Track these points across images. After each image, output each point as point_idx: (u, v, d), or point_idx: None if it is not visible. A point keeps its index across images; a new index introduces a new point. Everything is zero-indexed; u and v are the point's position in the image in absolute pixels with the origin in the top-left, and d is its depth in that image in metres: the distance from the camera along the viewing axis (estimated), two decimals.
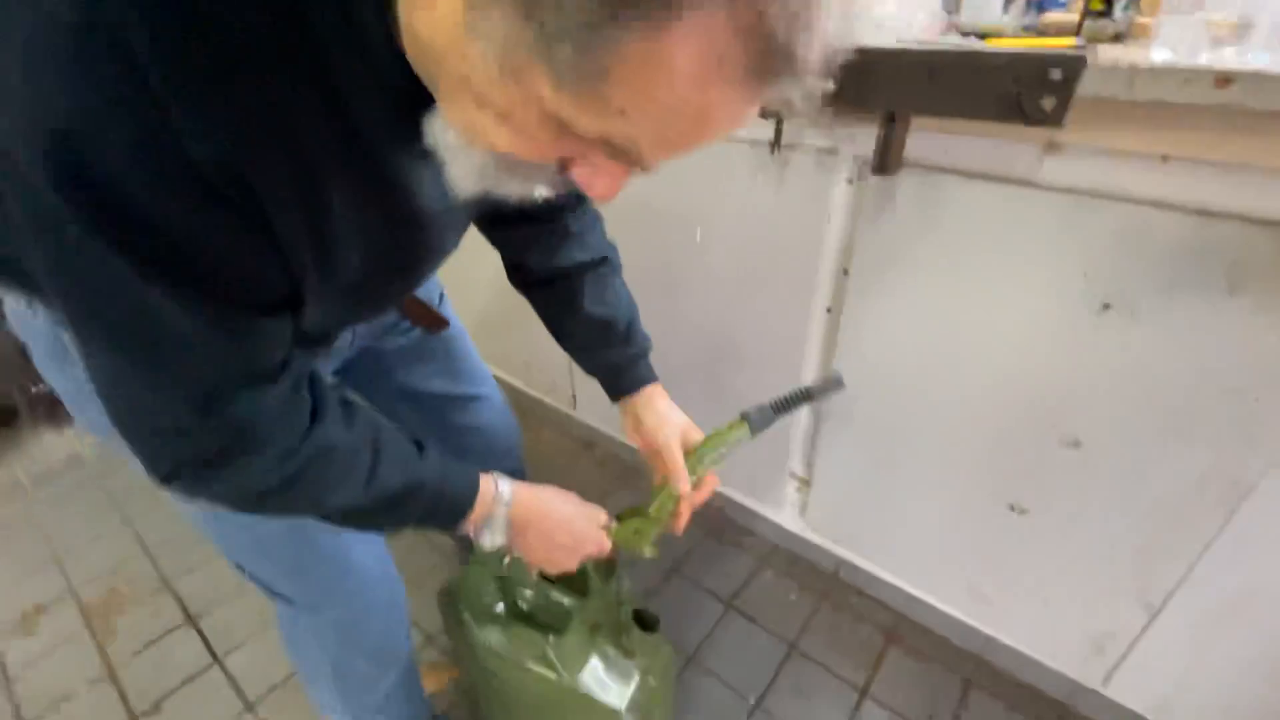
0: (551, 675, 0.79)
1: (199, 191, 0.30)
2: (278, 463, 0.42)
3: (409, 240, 0.44)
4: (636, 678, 0.79)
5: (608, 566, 0.84)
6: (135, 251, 0.31)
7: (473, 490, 0.55)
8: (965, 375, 0.92)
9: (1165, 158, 0.65)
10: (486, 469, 0.59)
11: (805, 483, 1.26)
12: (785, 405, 0.63)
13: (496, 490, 0.57)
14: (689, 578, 1.34)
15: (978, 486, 0.99)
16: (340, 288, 0.40)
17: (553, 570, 0.63)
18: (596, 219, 0.69)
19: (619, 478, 1.62)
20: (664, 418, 0.68)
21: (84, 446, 1.77)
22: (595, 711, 0.78)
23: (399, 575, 0.76)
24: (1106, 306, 0.76)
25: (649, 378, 0.70)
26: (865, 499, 1.16)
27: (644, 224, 1.17)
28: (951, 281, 0.87)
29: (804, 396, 0.61)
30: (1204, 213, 0.66)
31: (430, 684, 1.14)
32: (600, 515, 0.67)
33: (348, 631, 0.70)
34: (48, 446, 1.77)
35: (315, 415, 0.43)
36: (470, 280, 1.60)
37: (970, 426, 0.95)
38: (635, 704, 0.78)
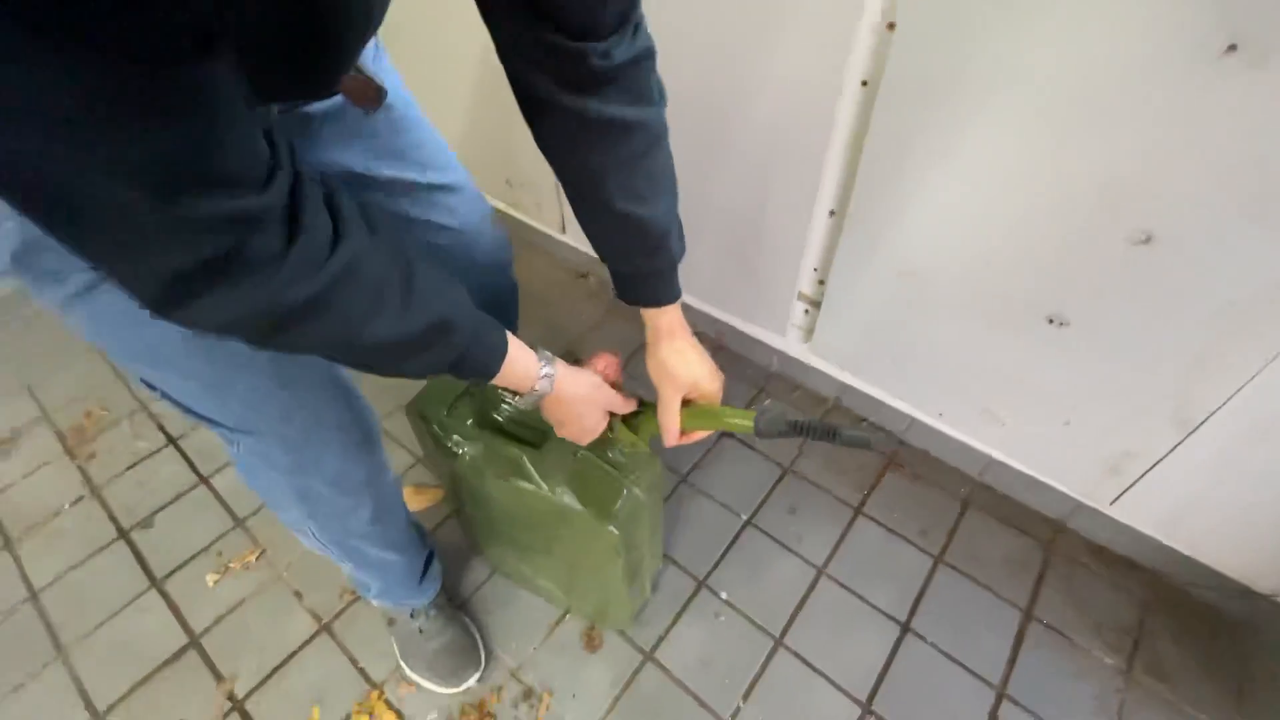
0: (530, 487, 0.74)
1: None
2: (289, 284, 0.37)
3: None
4: (623, 491, 0.75)
5: None
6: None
7: (501, 345, 0.52)
8: (1027, 166, 0.78)
9: None
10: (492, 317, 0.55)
11: (814, 304, 1.18)
12: (802, 429, 0.57)
13: (540, 372, 0.56)
14: None
15: (1014, 300, 0.90)
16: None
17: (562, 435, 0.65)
18: (648, 56, 0.53)
19: (613, 310, 1.55)
20: (681, 363, 0.64)
21: None
22: (580, 523, 0.75)
23: (356, 391, 0.68)
24: (1232, 48, 0.59)
25: (670, 296, 0.64)
26: (879, 320, 1.09)
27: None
28: (1017, 18, 0.69)
29: (827, 433, 0.56)
30: None
31: (416, 504, 1.15)
32: (617, 402, 0.67)
33: (298, 455, 0.63)
34: None
35: (337, 235, 0.38)
36: (432, 70, 1.40)
37: (1021, 230, 0.84)
38: (622, 517, 0.74)
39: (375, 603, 0.93)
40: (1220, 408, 0.80)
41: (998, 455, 1.11)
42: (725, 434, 1.26)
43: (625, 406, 0.67)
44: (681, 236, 0.64)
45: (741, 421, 0.61)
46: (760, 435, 0.60)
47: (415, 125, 0.69)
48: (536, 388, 0.56)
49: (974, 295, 0.93)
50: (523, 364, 0.55)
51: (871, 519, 1.12)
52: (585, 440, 0.66)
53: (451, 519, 1.13)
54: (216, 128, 0.31)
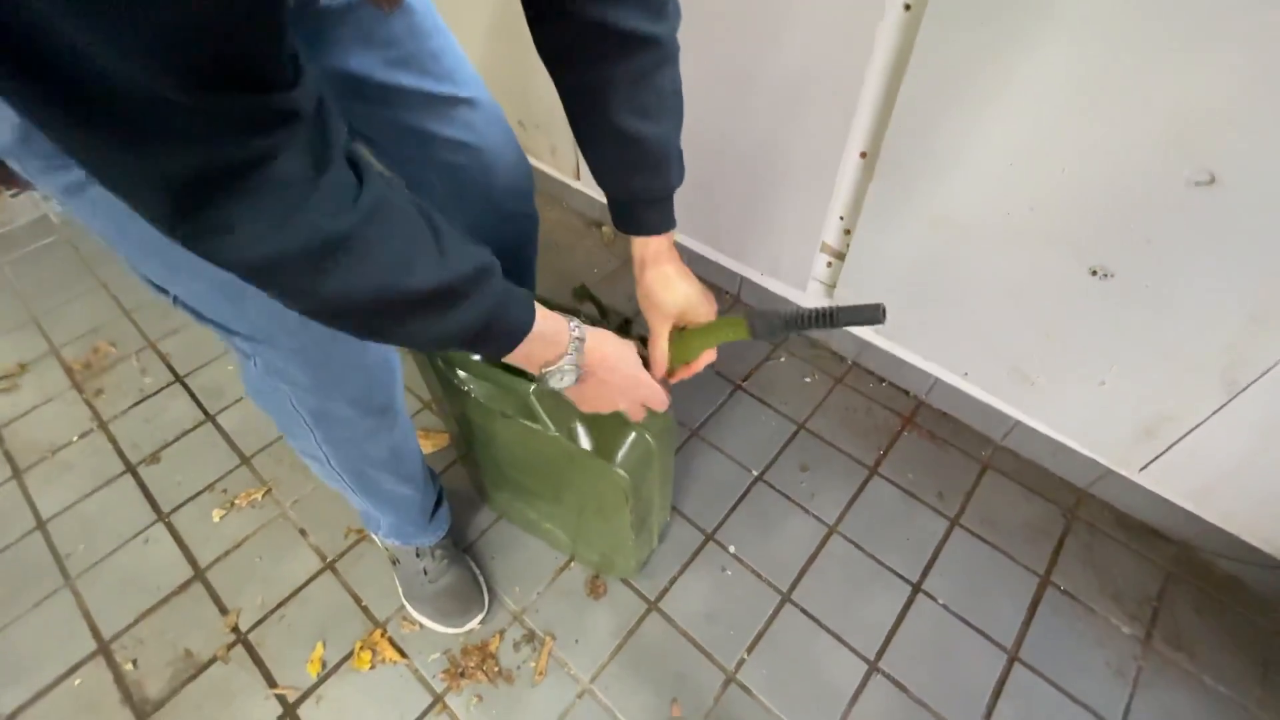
0: (537, 426, 0.71)
1: None
2: (324, 214, 0.35)
3: None
4: (632, 434, 0.73)
5: (602, 309, 0.73)
6: None
7: (529, 299, 0.50)
8: (1087, 96, 0.72)
9: None
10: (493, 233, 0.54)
11: (838, 256, 1.15)
12: (800, 322, 0.54)
13: (571, 330, 0.54)
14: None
15: (1056, 250, 0.85)
16: None
17: (588, 409, 0.63)
18: None
19: (629, 261, 1.51)
20: (665, 289, 0.63)
21: (49, 208, 1.63)
22: (588, 466, 0.73)
23: None
24: None
25: (663, 225, 0.64)
26: (907, 273, 1.05)
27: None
28: None
29: (825, 319, 0.52)
30: None
31: (423, 449, 1.13)
32: (657, 395, 0.65)
33: (319, 372, 0.61)
34: (10, 209, 1.63)
35: (359, 176, 0.37)
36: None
37: (1072, 171, 0.79)
38: (631, 461, 0.72)
39: (383, 540, 0.93)
40: (1275, 366, 0.75)
41: (1023, 418, 1.07)
42: (738, 387, 1.24)
43: (658, 399, 0.65)
44: (681, 165, 0.62)
45: (734, 330, 0.60)
46: (757, 337, 0.58)
47: (435, 32, 0.66)
48: (569, 351, 0.54)
49: (1012, 245, 0.89)
50: (552, 322, 0.53)
51: (886, 479, 1.10)
52: (621, 406, 0.63)
53: (457, 465, 1.12)
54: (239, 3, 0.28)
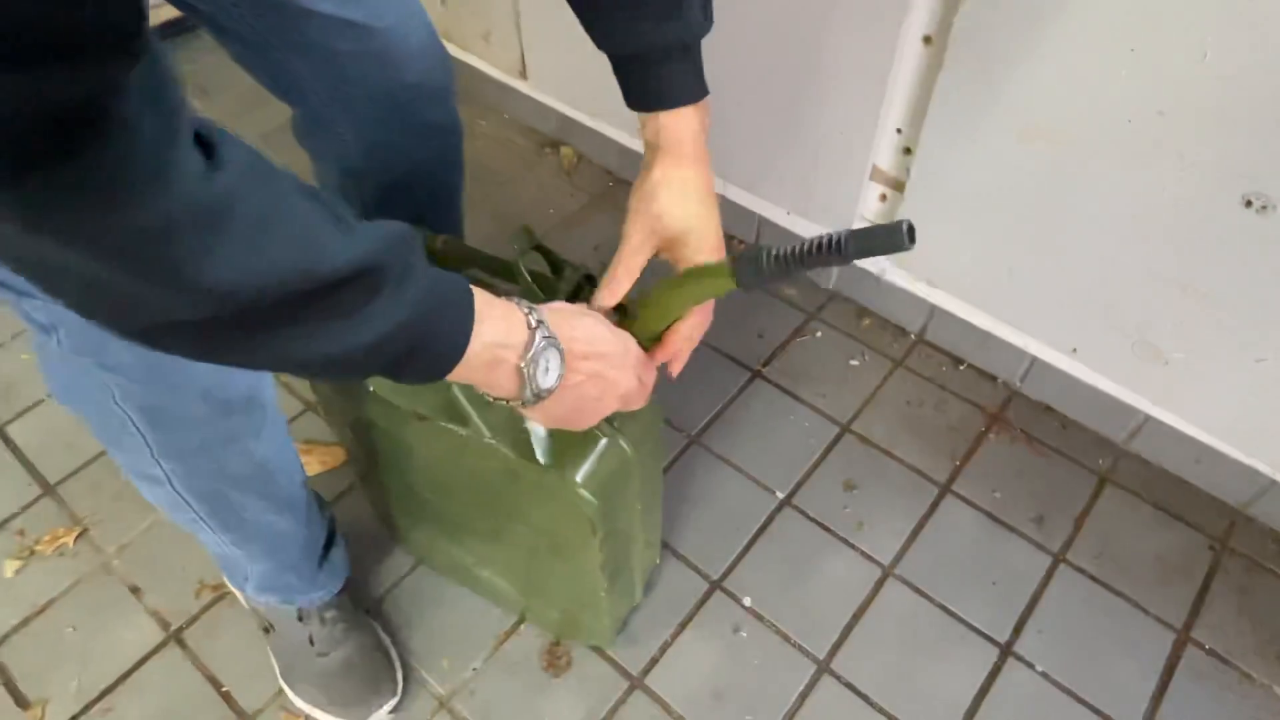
0: (465, 432, 0.72)
1: None
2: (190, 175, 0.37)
3: None
4: (601, 440, 0.73)
5: (556, 264, 0.73)
6: None
7: (466, 294, 0.51)
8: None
9: None
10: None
11: (895, 186, 1.16)
12: (800, 258, 0.55)
13: (516, 303, 0.55)
14: (705, 342, 1.28)
15: (1195, 172, 0.87)
16: None
17: (577, 427, 0.64)
18: None
19: (600, 196, 1.52)
20: (671, 197, 0.64)
21: None
22: (538, 485, 0.73)
23: None
24: None
25: (687, 91, 0.64)
26: (990, 209, 1.06)
27: None
28: None
29: (832, 248, 0.53)
30: None
31: (310, 468, 1.14)
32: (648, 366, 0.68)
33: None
34: None
35: (214, 151, 0.40)
36: None
37: (1217, 61, 0.80)
38: (600, 478, 0.72)
39: (252, 598, 0.93)
40: None
41: (1154, 410, 1.09)
42: (756, 374, 1.25)
43: (647, 362, 0.66)
44: (708, 5, 0.63)
45: (712, 280, 0.60)
46: (745, 286, 0.58)
47: None
48: (532, 322, 0.54)
49: (1133, 166, 0.90)
50: (493, 301, 0.52)
51: (964, 500, 1.12)
52: (609, 409, 0.64)
53: (356, 490, 1.12)
54: None
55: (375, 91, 0.79)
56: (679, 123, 0.64)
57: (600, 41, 0.64)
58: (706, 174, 0.66)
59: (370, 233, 0.44)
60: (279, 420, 0.77)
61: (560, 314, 0.58)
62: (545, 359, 0.54)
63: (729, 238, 1.40)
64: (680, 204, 0.64)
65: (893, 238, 0.50)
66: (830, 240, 0.52)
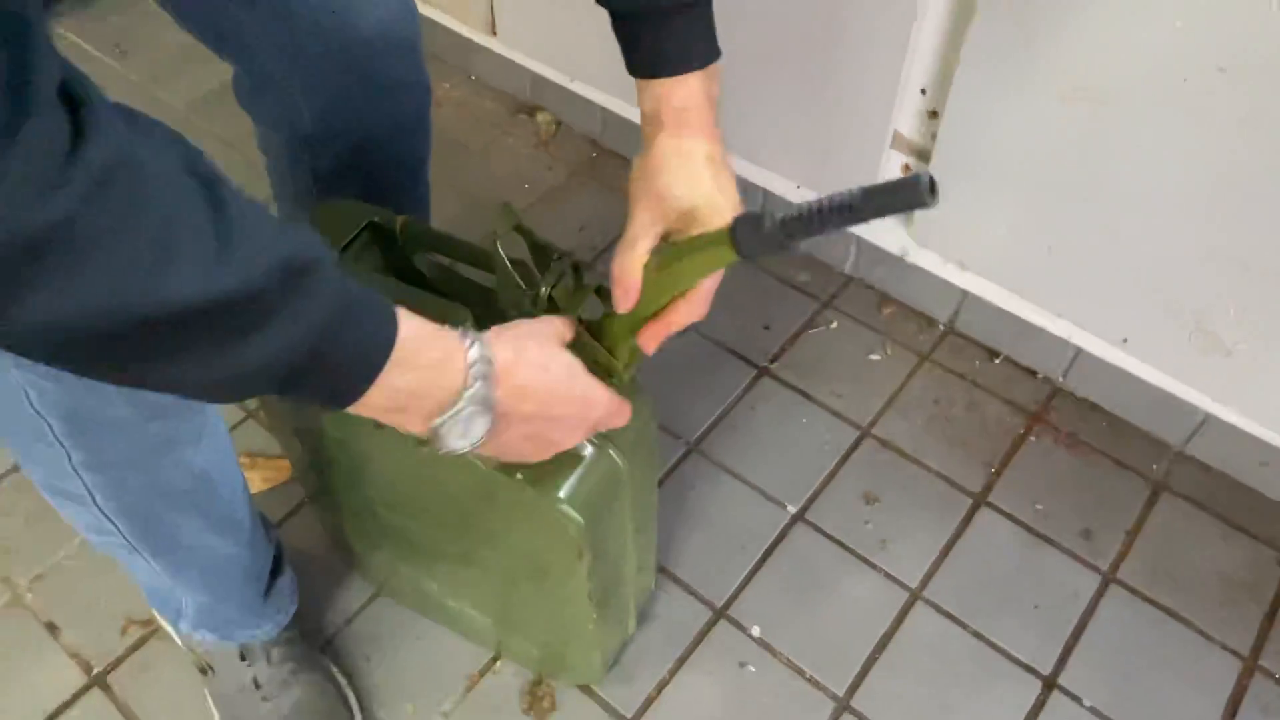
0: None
1: None
2: (22, 197, 0.36)
3: None
4: (588, 449, 0.73)
5: (539, 250, 0.73)
6: None
7: (387, 322, 0.50)
8: None
9: None
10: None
11: (920, 155, 1.17)
12: (809, 221, 0.54)
13: (464, 342, 0.53)
14: (705, 335, 1.29)
15: (1259, 135, 0.87)
16: None
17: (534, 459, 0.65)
18: None
19: (580, 168, 1.51)
20: (678, 172, 0.64)
21: None
22: (515, 503, 0.73)
23: None
24: None
25: (694, 54, 0.65)
26: (1029, 180, 1.06)
27: None
28: None
29: (844, 211, 0.52)
30: None
31: (253, 485, 1.13)
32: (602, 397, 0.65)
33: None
34: None
35: (80, 131, 0.38)
36: None
37: None
38: (586, 494, 0.72)
39: (187, 635, 0.92)
40: None
41: (1215, 408, 1.10)
42: (763, 371, 1.25)
43: (619, 412, 0.66)
44: None
45: (711, 252, 0.60)
46: (746, 256, 0.58)
47: None
48: (470, 379, 0.52)
49: (1190, 130, 0.90)
50: (430, 337, 0.51)
51: (1001, 513, 1.12)
52: (550, 452, 0.65)
53: (306, 510, 1.12)
54: None
55: (330, 44, 0.79)
56: (682, 90, 0.64)
57: None
58: (716, 144, 0.65)
59: (252, 251, 0.43)
60: (220, 426, 0.76)
61: (521, 359, 0.57)
62: (466, 425, 0.54)
63: None
64: (686, 179, 0.64)
65: (912, 193, 0.49)
66: (841, 199, 0.51)
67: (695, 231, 0.64)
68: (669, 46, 0.64)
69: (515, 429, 0.58)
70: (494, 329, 0.59)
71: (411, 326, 0.50)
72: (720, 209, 0.63)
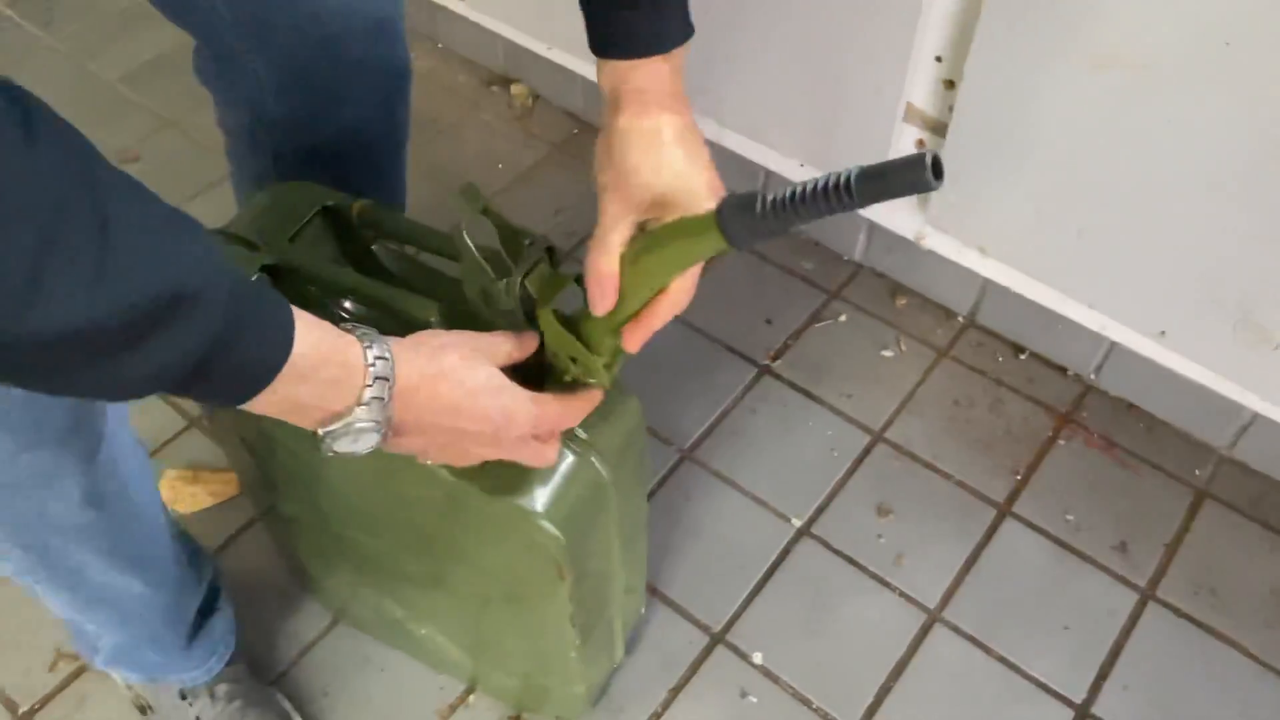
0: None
1: None
2: None
3: None
4: (569, 459, 0.73)
5: (510, 234, 0.73)
6: None
7: (282, 317, 0.52)
8: None
9: None
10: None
11: (935, 129, 1.17)
12: (803, 204, 0.54)
13: (366, 358, 0.56)
14: (700, 329, 1.32)
15: None
16: None
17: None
18: None
19: (562, 147, 1.52)
20: (645, 154, 0.65)
21: None
22: (488, 517, 0.74)
23: None
24: None
25: (660, 38, 0.66)
26: (1055, 157, 1.07)
27: None
28: None
29: (840, 193, 0.52)
30: None
31: (188, 503, 1.15)
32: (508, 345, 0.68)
33: None
34: None
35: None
36: None
37: None
38: (567, 507, 0.73)
39: (108, 672, 0.93)
40: None
41: (1263, 407, 1.11)
42: (764, 370, 1.25)
43: (551, 426, 0.68)
44: None
45: (697, 239, 0.60)
46: (736, 244, 0.58)
47: None
48: (365, 397, 0.55)
49: (1233, 101, 0.91)
50: (329, 346, 0.53)
51: (1027, 524, 1.13)
52: (470, 461, 0.66)
53: (256, 529, 1.12)
54: None
55: (299, 18, 0.79)
56: (645, 68, 0.65)
57: None
58: (686, 120, 0.66)
59: (133, 274, 0.44)
60: (130, 452, 0.76)
61: (429, 373, 0.59)
62: (356, 435, 0.56)
63: None
64: (654, 162, 0.64)
65: (915, 174, 0.49)
66: (836, 180, 0.52)
67: (673, 217, 0.64)
68: (642, 26, 0.64)
69: (420, 438, 0.61)
70: (418, 334, 0.61)
71: (310, 340, 0.52)
72: (696, 191, 0.64)
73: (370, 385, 0.55)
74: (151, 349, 0.46)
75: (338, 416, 0.55)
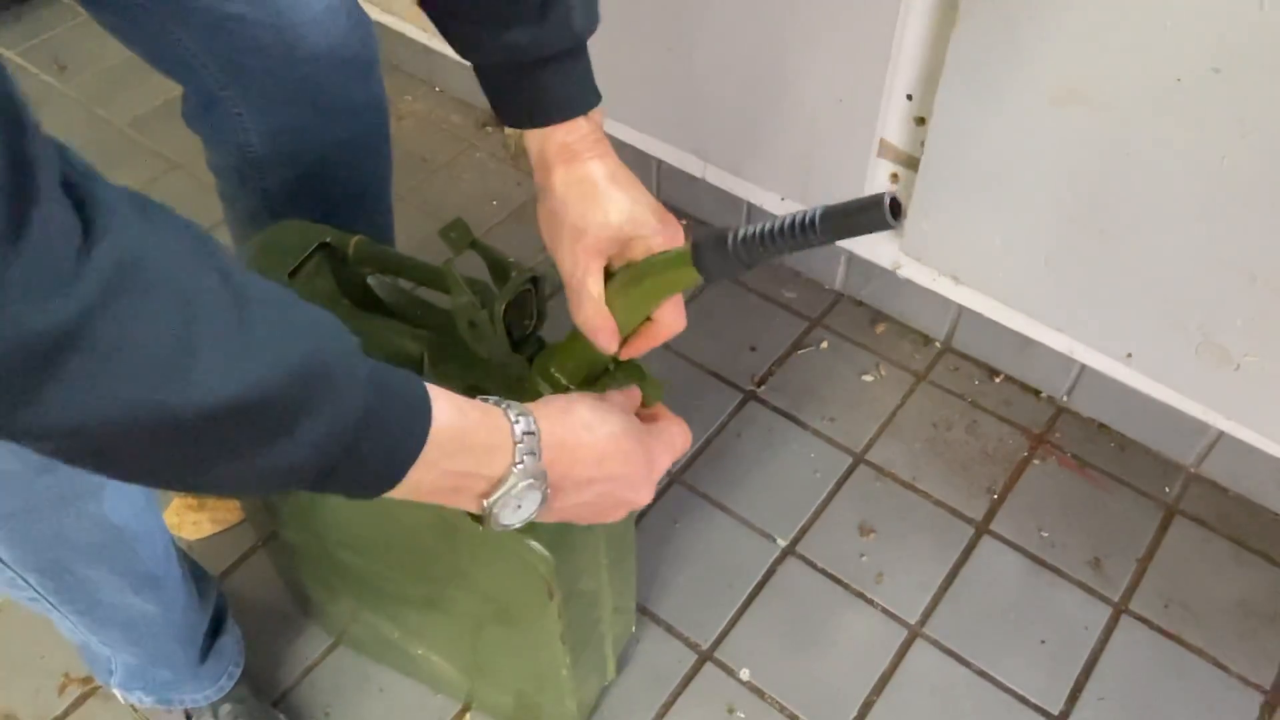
0: None
1: None
2: (20, 302, 0.36)
3: None
4: None
5: (498, 268, 0.74)
6: None
7: (423, 401, 0.51)
8: None
9: None
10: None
11: (908, 163, 1.17)
12: (768, 240, 0.56)
13: (509, 416, 0.55)
14: (686, 357, 1.33)
15: (1256, 139, 0.88)
16: None
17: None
18: None
19: None
20: (586, 204, 0.66)
21: None
22: (480, 540, 0.74)
23: None
24: None
25: (574, 103, 0.66)
26: (1023, 189, 1.08)
27: None
28: None
29: (805, 229, 0.54)
30: None
31: (191, 530, 1.15)
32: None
33: None
34: None
35: (89, 226, 0.38)
36: None
37: (1274, 20, 0.82)
38: (555, 527, 0.71)
39: (120, 694, 0.92)
40: None
41: (1227, 425, 1.11)
42: (750, 395, 1.26)
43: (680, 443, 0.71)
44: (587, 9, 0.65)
45: (673, 273, 0.62)
46: (709, 277, 0.59)
47: None
48: (519, 455, 0.54)
49: (1187, 133, 0.92)
50: (472, 412, 0.53)
51: (1005, 541, 1.13)
52: (623, 513, 0.67)
53: (259, 554, 1.12)
54: None
55: (272, 63, 0.80)
56: (565, 128, 0.66)
57: (459, 47, 0.65)
58: (613, 162, 0.66)
59: (276, 342, 0.44)
60: (155, 526, 0.77)
61: (566, 424, 0.59)
62: (519, 500, 0.55)
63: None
64: (601, 204, 0.65)
65: (872, 213, 0.50)
66: (802, 219, 0.53)
67: (632, 254, 0.65)
68: (546, 96, 0.65)
69: (574, 495, 0.60)
70: (543, 398, 0.61)
71: (447, 412, 0.51)
72: (647, 221, 0.65)
73: (520, 442, 0.54)
74: (306, 422, 0.45)
75: (500, 482, 0.54)
